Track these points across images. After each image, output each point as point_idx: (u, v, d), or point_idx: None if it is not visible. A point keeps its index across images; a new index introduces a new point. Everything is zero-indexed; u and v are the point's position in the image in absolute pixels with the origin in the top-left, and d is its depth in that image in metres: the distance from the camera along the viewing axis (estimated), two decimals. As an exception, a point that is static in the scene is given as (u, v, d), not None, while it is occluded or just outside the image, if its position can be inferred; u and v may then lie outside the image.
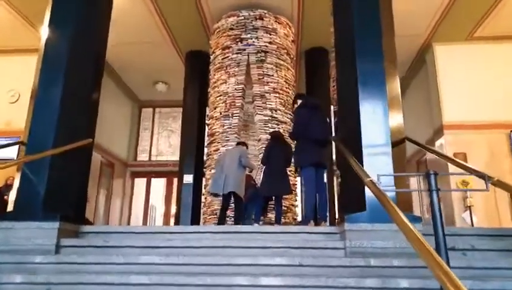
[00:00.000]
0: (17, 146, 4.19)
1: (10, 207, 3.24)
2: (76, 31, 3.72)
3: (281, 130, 6.44)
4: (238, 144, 5.80)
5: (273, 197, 4.95)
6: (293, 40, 7.33)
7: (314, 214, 3.69)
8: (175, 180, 10.20)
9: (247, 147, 5.78)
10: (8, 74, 8.30)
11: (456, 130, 7.29)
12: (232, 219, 5.52)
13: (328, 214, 4.08)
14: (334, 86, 3.63)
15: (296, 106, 4.21)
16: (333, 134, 3.90)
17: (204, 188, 6.79)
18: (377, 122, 2.97)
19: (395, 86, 3.15)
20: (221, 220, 5.07)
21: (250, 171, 5.87)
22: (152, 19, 7.58)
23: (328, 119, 4.07)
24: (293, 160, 4.32)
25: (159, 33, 8.05)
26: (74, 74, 3.60)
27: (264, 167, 4.85)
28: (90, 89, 3.83)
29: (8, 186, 7.31)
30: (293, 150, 4.08)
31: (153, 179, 11.63)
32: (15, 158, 5.82)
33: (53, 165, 3.21)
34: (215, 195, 5.41)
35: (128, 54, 8.88)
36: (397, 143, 3.00)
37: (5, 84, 8.30)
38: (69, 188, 3.33)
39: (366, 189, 2.84)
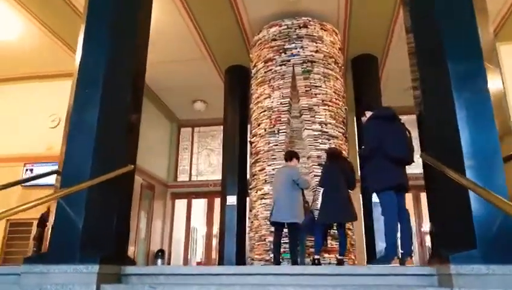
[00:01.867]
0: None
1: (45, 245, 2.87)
2: (113, 48, 3.38)
3: (333, 146, 5.88)
4: (287, 156, 5.07)
5: (335, 225, 4.34)
6: (340, 47, 6.78)
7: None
8: (216, 200, 9.81)
9: (298, 160, 5.06)
10: (50, 99, 8.31)
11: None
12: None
13: (413, 249, 3.41)
14: (415, 92, 3.03)
15: (364, 118, 3.65)
16: (413, 149, 3.28)
17: (250, 211, 6.28)
18: (482, 132, 2.34)
19: (498, 90, 2.51)
20: (277, 260, 4.45)
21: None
22: (190, 35, 7.33)
23: (408, 133, 3.44)
24: (363, 183, 3.72)
25: (197, 50, 7.78)
26: (112, 95, 3.25)
27: (323, 190, 4.26)
28: (129, 111, 3.46)
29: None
30: (368, 171, 3.43)
31: (193, 200, 11.32)
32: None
33: (91, 198, 2.82)
34: (273, 223, 4.75)
35: (166, 73, 8.69)
36: (509, 158, 2.35)
37: (47, 109, 8.32)
38: (109, 223, 2.92)
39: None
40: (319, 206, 4.38)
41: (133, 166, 3.26)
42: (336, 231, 4.45)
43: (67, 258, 2.58)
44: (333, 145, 5.88)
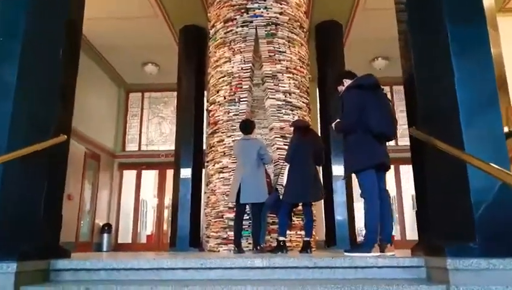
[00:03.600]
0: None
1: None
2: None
3: (297, 118, 5.51)
4: (247, 126, 4.50)
5: (301, 204, 4.01)
6: (305, 11, 6.30)
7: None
8: (169, 172, 9.21)
9: (253, 127, 4.55)
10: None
11: None
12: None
13: (393, 233, 3.13)
14: (403, 61, 2.68)
15: (341, 88, 3.18)
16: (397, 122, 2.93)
17: (206, 185, 5.83)
18: (485, 106, 2.04)
19: (500, 59, 2.22)
20: (239, 246, 4.02)
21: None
22: (140, -12, 6.46)
23: (391, 103, 3.05)
24: (342, 163, 3.37)
25: (148, 6, 6.94)
26: (36, 48, 2.58)
27: (289, 167, 3.88)
28: (61, 69, 2.79)
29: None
30: (347, 148, 2.97)
31: (143, 171, 10.64)
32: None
33: (8, 177, 2.22)
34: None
35: (113, 31, 7.75)
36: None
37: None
38: (34, 208, 2.34)
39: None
40: (284, 182, 4.02)
41: (65, 136, 2.64)
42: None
43: (-26, 255, 2.00)
44: (297, 117, 5.51)
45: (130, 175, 10.35)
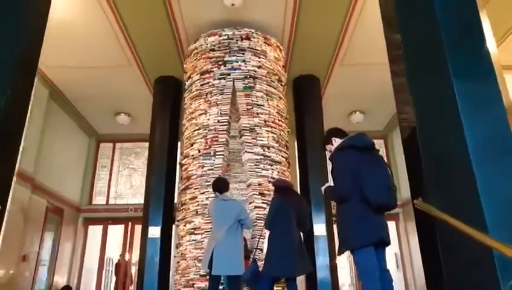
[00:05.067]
0: None
1: None
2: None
3: (276, 174, 5.21)
4: (221, 185, 4.09)
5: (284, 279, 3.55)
6: (283, 64, 6.25)
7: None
8: (137, 228, 8.57)
9: (227, 187, 4.14)
10: None
11: None
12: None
13: None
14: (401, 113, 2.45)
15: (330, 147, 2.82)
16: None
17: (176, 247, 5.30)
18: (506, 173, 1.76)
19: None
20: None
21: None
22: (115, 39, 6.28)
23: (389, 168, 2.59)
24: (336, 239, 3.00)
25: (123, 55, 6.73)
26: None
27: (270, 233, 3.47)
28: (7, 111, 2.40)
29: None
30: (341, 220, 2.55)
31: (110, 226, 9.89)
32: None
33: None
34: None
35: (84, 80, 7.46)
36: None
37: None
38: None
39: None
40: (264, 249, 3.59)
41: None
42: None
43: None
44: (276, 172, 5.22)
45: (95, 231, 9.58)
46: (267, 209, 4.90)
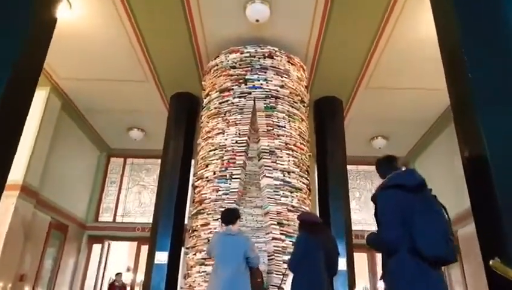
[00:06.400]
0: None
1: None
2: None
3: (296, 202, 4.80)
4: (229, 217, 3.67)
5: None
6: (306, 85, 5.93)
7: None
8: (144, 248, 8.17)
9: (239, 218, 3.73)
10: None
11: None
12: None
13: None
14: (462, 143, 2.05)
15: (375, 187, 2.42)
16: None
17: (184, 277, 4.88)
18: None
19: None
20: None
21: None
22: (133, 52, 6.08)
23: (445, 212, 2.12)
24: None
25: (140, 69, 6.51)
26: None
27: (294, 277, 3.03)
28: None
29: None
30: (388, 275, 2.10)
31: (115, 244, 9.51)
32: None
33: None
34: None
35: (100, 93, 7.26)
36: None
37: None
38: None
39: None
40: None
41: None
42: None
43: None
44: (296, 200, 4.81)
45: (100, 249, 9.19)
46: (286, 242, 4.53)
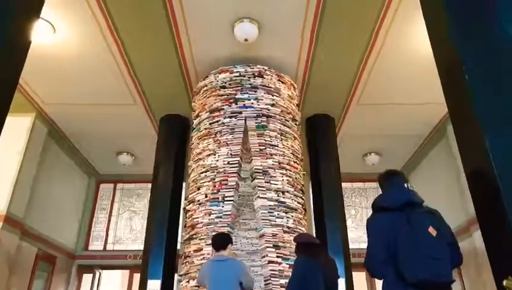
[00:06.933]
0: None
1: None
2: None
3: (292, 222, 4.64)
4: (221, 242, 3.57)
5: None
6: (297, 103, 5.87)
7: None
8: (137, 276, 7.86)
9: (231, 243, 3.64)
10: None
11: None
12: None
13: None
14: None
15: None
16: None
17: (179, 305, 4.65)
18: None
19: None
20: None
21: None
22: (119, 74, 5.96)
23: (449, 233, 2.01)
24: None
25: (127, 92, 6.40)
26: None
27: None
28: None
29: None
30: None
31: (107, 273, 9.16)
32: None
33: None
34: None
35: (87, 117, 7.11)
36: None
37: None
38: None
39: None
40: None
41: None
42: None
43: None
44: (291, 221, 4.66)
45: (90, 279, 8.83)
46: (282, 265, 4.34)
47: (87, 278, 8.79)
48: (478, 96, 1.84)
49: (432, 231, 1.92)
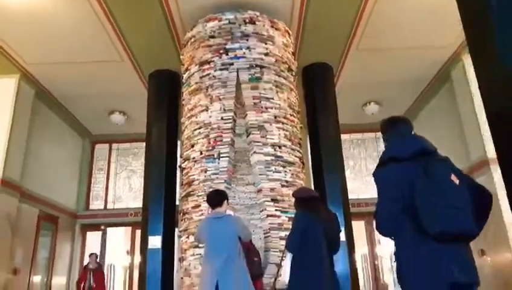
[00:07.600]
0: None
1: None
2: None
3: (290, 176, 4.54)
4: (216, 199, 3.34)
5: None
6: (293, 51, 5.55)
7: None
8: (139, 233, 7.97)
9: (227, 200, 3.39)
10: None
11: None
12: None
13: None
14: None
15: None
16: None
17: (179, 260, 4.68)
18: None
19: None
20: None
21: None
22: (103, 31, 5.63)
23: (468, 177, 1.85)
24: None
25: (113, 49, 6.08)
26: None
27: (293, 258, 2.81)
28: None
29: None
30: (396, 258, 1.81)
31: (111, 230, 9.28)
32: None
33: None
34: None
35: (74, 78, 6.81)
36: None
37: None
38: None
39: None
40: (285, 280, 2.91)
41: None
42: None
43: None
44: (289, 174, 4.56)
45: (94, 237, 8.98)
46: (282, 218, 4.30)
47: (90, 235, 8.93)
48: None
49: (454, 178, 1.76)
